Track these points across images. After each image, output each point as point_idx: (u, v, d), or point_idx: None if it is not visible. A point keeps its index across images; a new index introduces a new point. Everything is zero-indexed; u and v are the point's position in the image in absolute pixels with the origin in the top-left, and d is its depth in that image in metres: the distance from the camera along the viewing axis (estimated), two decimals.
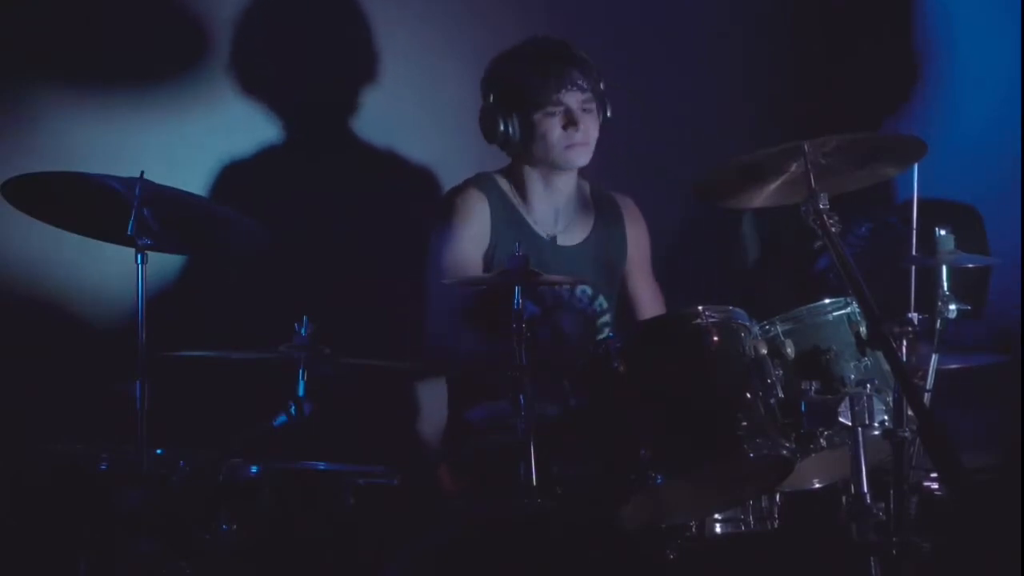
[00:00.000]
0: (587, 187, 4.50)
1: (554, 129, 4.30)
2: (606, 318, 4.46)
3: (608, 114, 4.36)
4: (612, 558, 3.54)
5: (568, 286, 4.37)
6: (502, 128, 4.31)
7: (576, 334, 4.39)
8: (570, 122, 4.30)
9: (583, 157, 4.35)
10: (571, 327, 4.40)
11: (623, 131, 4.40)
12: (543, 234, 4.41)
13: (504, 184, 4.41)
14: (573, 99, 4.29)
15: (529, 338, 3.69)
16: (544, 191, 4.41)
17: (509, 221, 4.37)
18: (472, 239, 4.32)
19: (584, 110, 4.31)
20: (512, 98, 4.30)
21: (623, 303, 4.55)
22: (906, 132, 4.80)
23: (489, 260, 4.32)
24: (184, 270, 4.54)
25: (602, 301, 4.45)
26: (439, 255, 4.32)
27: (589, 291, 4.43)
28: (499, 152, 4.44)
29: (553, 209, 4.44)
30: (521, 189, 4.41)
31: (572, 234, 4.47)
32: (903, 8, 5.31)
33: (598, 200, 4.51)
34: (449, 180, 4.69)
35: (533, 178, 4.40)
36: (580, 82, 4.29)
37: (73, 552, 3.58)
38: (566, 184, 4.42)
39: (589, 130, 4.32)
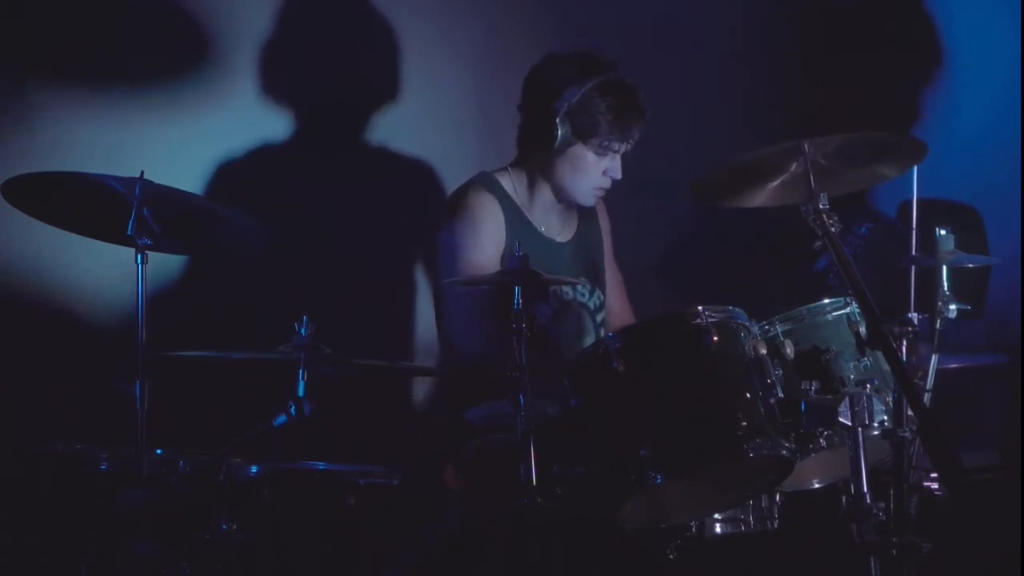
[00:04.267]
0: None
1: (595, 170, 4.30)
2: (603, 314, 4.47)
3: None
4: (612, 558, 3.54)
5: (568, 284, 4.37)
6: (556, 139, 4.26)
7: (579, 332, 4.40)
8: (611, 169, 4.30)
9: (595, 200, 4.39)
10: (574, 325, 4.40)
11: None
12: (546, 233, 4.41)
13: (507, 184, 4.40)
14: (623, 148, 4.30)
15: (530, 338, 3.69)
16: (543, 192, 4.40)
17: (517, 221, 4.36)
18: (491, 239, 4.30)
19: (622, 156, 4.32)
20: (575, 122, 4.25)
21: None
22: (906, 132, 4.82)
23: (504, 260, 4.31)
24: (184, 270, 4.54)
25: (599, 296, 4.46)
26: (462, 256, 4.28)
27: (588, 286, 4.43)
28: (499, 152, 4.44)
29: (549, 209, 4.44)
30: (525, 189, 4.41)
31: (564, 232, 4.47)
32: (904, 8, 5.31)
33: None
34: (449, 180, 4.70)
35: (536, 180, 4.39)
36: (637, 137, 4.29)
37: (73, 552, 3.58)
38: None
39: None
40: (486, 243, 4.29)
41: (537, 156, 4.34)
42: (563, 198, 4.40)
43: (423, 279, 4.84)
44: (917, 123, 5.24)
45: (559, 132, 4.24)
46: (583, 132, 4.25)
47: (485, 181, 4.39)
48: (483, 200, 4.33)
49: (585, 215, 4.53)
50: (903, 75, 5.28)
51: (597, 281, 4.49)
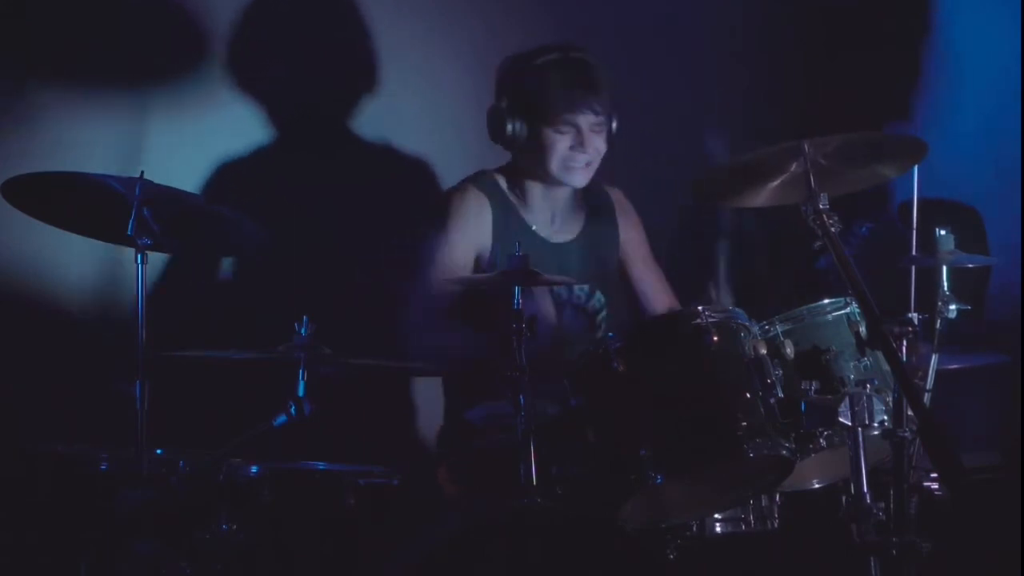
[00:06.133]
0: None
1: (561, 148, 4.28)
2: (604, 314, 4.46)
3: (614, 129, 4.34)
4: (612, 558, 3.54)
5: (561, 285, 4.36)
6: (509, 132, 4.29)
7: (576, 331, 4.39)
8: (578, 144, 4.28)
9: (582, 178, 4.34)
10: (571, 325, 4.40)
11: (624, 130, 4.40)
12: (541, 233, 4.41)
13: (503, 183, 4.40)
14: (585, 121, 4.27)
15: (529, 338, 3.69)
16: (542, 191, 4.40)
17: (509, 221, 4.36)
18: (466, 240, 4.32)
19: (594, 131, 4.29)
20: (525, 107, 4.27)
21: (630, 294, 4.55)
22: (906, 132, 4.81)
23: (492, 260, 4.31)
24: (185, 270, 4.54)
25: (599, 296, 4.45)
26: (432, 254, 4.30)
27: (587, 288, 4.42)
28: (499, 152, 4.43)
29: (550, 208, 4.43)
30: (520, 188, 4.41)
31: (566, 231, 4.46)
32: (904, 8, 5.32)
33: (589, 195, 4.50)
34: (449, 180, 4.69)
35: (523, 177, 4.39)
36: (595, 107, 4.26)
37: (73, 552, 3.58)
38: (563, 186, 4.41)
39: (594, 152, 4.30)
40: (457, 245, 4.31)
41: (516, 153, 4.35)
42: (551, 182, 4.36)
43: (410, 271, 4.83)
44: (917, 123, 5.24)
45: (508, 124, 4.27)
46: (533, 115, 4.25)
47: (479, 179, 4.39)
48: (466, 200, 4.35)
49: (597, 212, 4.50)
50: (903, 75, 5.28)
51: (603, 282, 4.47)
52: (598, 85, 4.27)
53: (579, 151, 4.28)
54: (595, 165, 4.34)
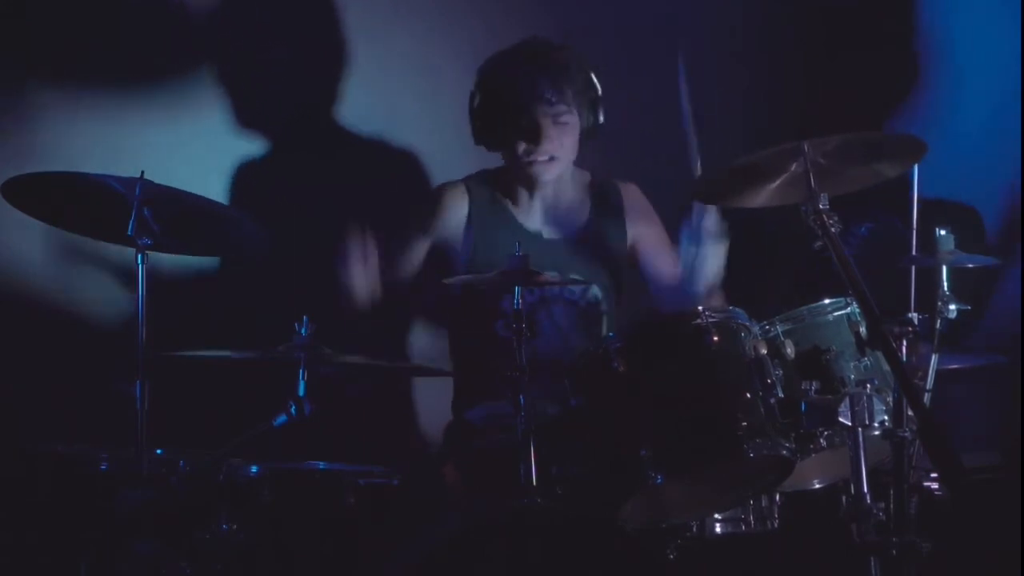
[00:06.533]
0: (586, 177, 4.49)
1: (520, 143, 4.28)
2: (602, 307, 4.44)
3: (600, 120, 4.31)
4: (612, 558, 3.54)
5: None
6: (477, 132, 4.32)
7: (571, 326, 4.38)
8: (532, 139, 4.27)
9: (548, 172, 4.32)
10: (565, 320, 4.39)
11: (624, 130, 4.39)
12: (531, 229, 4.40)
13: (494, 181, 4.41)
14: (541, 113, 4.25)
15: (529, 337, 3.69)
16: (529, 187, 4.40)
17: (493, 218, 4.36)
18: (421, 236, 4.40)
19: (557, 123, 4.27)
20: (494, 104, 4.28)
21: (641, 291, 4.54)
22: (906, 132, 4.81)
23: (469, 254, 4.32)
24: (184, 270, 4.54)
25: (596, 292, 4.42)
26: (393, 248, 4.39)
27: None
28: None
29: (542, 203, 4.42)
30: (511, 186, 4.41)
31: (563, 227, 4.44)
32: (904, 8, 5.32)
33: (596, 190, 4.48)
34: (448, 179, 4.70)
35: (513, 176, 4.39)
36: (549, 95, 4.22)
37: (73, 552, 3.58)
38: (555, 180, 4.39)
39: (557, 146, 4.27)
40: (410, 238, 4.40)
41: (503, 152, 4.36)
42: (532, 178, 4.34)
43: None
44: (917, 122, 5.24)
45: (477, 123, 4.31)
46: (495, 111, 4.27)
47: (470, 177, 4.43)
48: (439, 197, 4.42)
49: (603, 207, 4.47)
50: (903, 75, 5.28)
51: (604, 277, 4.44)
52: (552, 71, 4.23)
53: (534, 144, 4.27)
54: (564, 160, 4.31)
